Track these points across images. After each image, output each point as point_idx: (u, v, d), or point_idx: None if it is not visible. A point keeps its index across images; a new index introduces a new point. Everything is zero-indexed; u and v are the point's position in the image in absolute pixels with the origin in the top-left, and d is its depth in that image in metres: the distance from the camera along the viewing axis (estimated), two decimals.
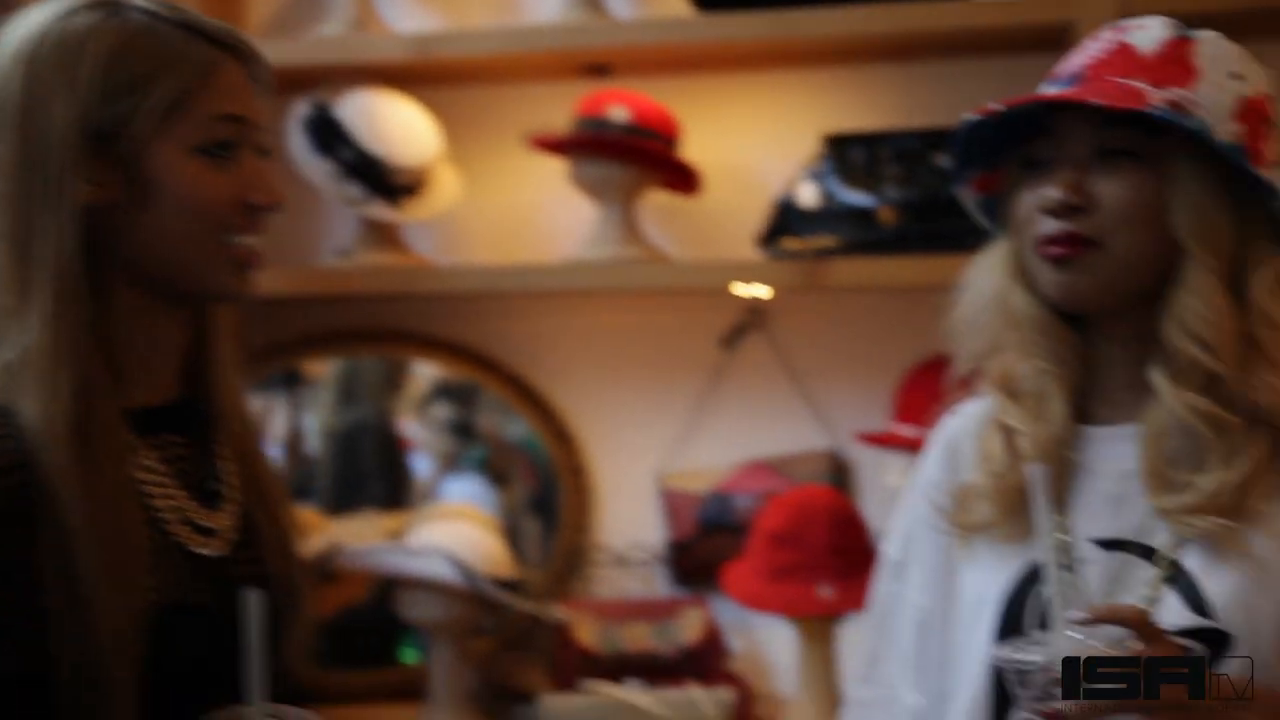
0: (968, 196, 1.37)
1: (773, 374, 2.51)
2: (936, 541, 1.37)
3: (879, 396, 2.39)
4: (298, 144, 2.47)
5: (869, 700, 1.43)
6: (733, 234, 2.45)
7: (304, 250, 2.67)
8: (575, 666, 2.37)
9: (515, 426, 2.63)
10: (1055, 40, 2.27)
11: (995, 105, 1.26)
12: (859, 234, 2.27)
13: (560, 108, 2.44)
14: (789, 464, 2.49)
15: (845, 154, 2.31)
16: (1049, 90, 1.29)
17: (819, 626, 2.23)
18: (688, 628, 2.41)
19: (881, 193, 2.28)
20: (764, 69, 2.49)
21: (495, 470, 2.66)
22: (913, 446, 2.32)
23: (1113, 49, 1.27)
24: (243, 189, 1.26)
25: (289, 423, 2.73)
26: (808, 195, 2.31)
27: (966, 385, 1.40)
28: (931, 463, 1.43)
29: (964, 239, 2.22)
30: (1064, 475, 1.29)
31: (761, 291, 2.41)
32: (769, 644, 2.47)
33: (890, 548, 1.44)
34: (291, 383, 2.74)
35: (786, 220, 2.32)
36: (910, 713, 1.38)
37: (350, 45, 2.50)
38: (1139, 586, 1.23)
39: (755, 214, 2.39)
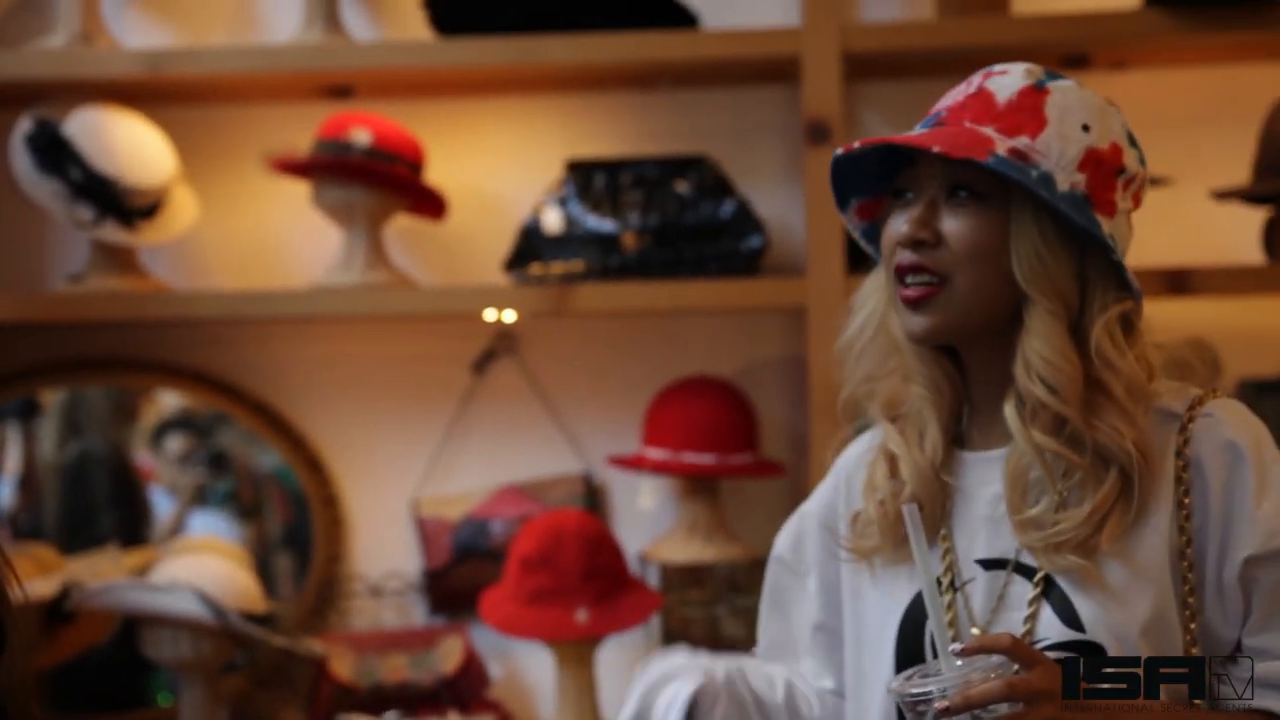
0: (852, 223, 1.42)
1: (524, 399, 2.50)
2: (834, 567, 1.44)
3: (629, 420, 2.42)
4: (21, 162, 2.34)
5: (773, 657, 1.51)
6: (480, 259, 2.44)
7: (34, 274, 2.54)
8: (332, 701, 2.31)
9: (267, 457, 2.55)
10: (785, 73, 2.34)
11: (855, 144, 1.32)
12: (603, 259, 2.30)
13: (301, 129, 2.38)
14: (542, 488, 2.49)
15: (588, 180, 2.33)
16: (918, 127, 1.35)
17: (577, 651, 2.23)
18: (446, 657, 2.37)
19: (624, 218, 2.31)
20: (507, 94, 2.49)
21: (245, 502, 2.57)
22: (662, 469, 2.36)
23: (974, 94, 1.33)
24: None
25: (23, 455, 2.58)
26: (552, 221, 2.32)
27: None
28: (828, 490, 1.49)
29: (704, 264, 2.31)
30: (944, 499, 1.36)
31: (509, 316, 2.41)
32: (529, 670, 2.46)
33: (780, 546, 1.51)
34: (27, 413, 2.60)
35: (532, 245, 2.33)
36: (813, 680, 1.46)
37: (77, 59, 2.38)
38: (1019, 603, 1.30)
39: (502, 239, 2.38)
